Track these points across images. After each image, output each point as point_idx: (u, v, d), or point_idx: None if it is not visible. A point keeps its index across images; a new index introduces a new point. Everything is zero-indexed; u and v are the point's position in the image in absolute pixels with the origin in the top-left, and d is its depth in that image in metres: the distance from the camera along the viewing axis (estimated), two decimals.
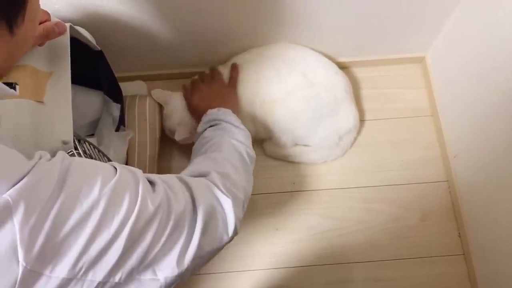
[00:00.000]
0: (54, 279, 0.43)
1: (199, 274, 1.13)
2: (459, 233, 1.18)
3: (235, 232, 0.66)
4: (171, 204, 0.55)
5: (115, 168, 0.53)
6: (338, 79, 1.19)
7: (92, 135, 1.04)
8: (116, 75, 1.03)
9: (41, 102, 0.68)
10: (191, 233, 0.56)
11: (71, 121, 0.69)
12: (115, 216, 0.47)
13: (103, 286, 0.47)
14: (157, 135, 1.12)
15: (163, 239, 0.52)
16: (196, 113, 1.03)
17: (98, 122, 1.05)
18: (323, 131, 1.18)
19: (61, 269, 0.44)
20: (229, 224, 0.64)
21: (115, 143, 1.00)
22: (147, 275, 0.51)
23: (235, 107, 1.02)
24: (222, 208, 0.65)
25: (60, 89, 0.71)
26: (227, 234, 0.64)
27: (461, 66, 1.14)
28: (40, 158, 0.47)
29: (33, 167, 0.44)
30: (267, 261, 1.15)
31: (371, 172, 1.24)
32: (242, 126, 0.89)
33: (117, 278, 0.48)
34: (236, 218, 0.65)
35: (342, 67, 1.28)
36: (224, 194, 0.65)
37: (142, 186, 0.53)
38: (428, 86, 1.31)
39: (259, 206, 1.19)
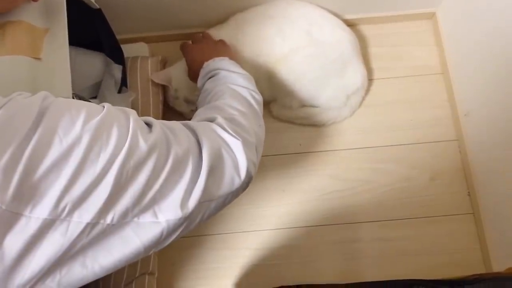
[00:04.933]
0: (35, 219, 0.42)
1: (206, 235, 1.14)
2: (469, 192, 1.16)
3: (249, 176, 0.62)
4: (170, 145, 0.52)
5: (104, 107, 0.50)
6: (344, 36, 1.15)
7: (94, 97, 1.03)
8: (117, 36, 1.01)
9: (38, 58, 0.66)
10: (197, 175, 0.54)
11: (70, 78, 0.68)
12: (101, 153, 0.45)
13: (93, 227, 0.45)
14: (160, 97, 1.11)
15: (161, 180, 0.49)
16: (193, 72, 0.98)
17: (100, 85, 1.03)
18: (330, 90, 1.15)
19: (42, 210, 0.42)
20: (241, 166, 0.60)
21: (118, 105, 0.98)
22: (147, 218, 0.49)
23: (230, 55, 0.96)
24: (232, 151, 0.61)
25: (58, 46, 0.69)
26: (239, 177, 0.60)
27: (472, 21, 1.10)
28: (19, 95, 0.45)
29: (6, 103, 0.42)
30: (274, 221, 1.15)
31: (380, 132, 1.22)
32: (242, 71, 0.85)
33: (108, 219, 0.46)
34: (249, 160, 0.61)
35: (350, 24, 1.24)
36: (233, 136, 0.61)
37: (133, 123, 0.50)
38: (438, 43, 1.27)
39: (266, 168, 1.18)
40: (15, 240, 0.41)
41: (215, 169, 0.57)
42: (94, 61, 1.04)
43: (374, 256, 1.13)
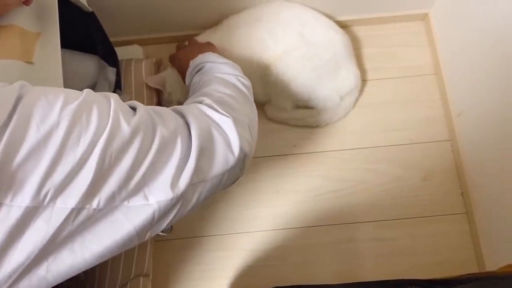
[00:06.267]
0: (16, 208, 0.41)
1: (201, 236, 1.14)
2: (462, 192, 1.17)
3: (243, 153, 0.61)
4: (155, 127, 0.52)
5: (83, 92, 0.49)
6: (337, 37, 1.16)
7: None
8: (111, 39, 1.01)
9: (31, 63, 0.66)
10: (187, 156, 0.53)
11: (62, 82, 0.68)
12: (81, 137, 0.44)
13: (79, 213, 0.44)
14: (154, 100, 1.11)
15: (147, 162, 0.49)
16: (184, 74, 0.95)
17: (94, 87, 1.03)
18: (324, 91, 1.16)
19: (23, 197, 0.41)
20: (233, 143, 0.59)
21: None
22: (137, 201, 0.48)
23: (215, 51, 0.95)
24: (221, 129, 0.60)
25: (50, 50, 0.69)
26: (233, 154, 0.59)
27: (465, 22, 1.11)
28: None
29: None
30: (268, 222, 1.16)
31: (374, 132, 1.22)
32: (227, 60, 0.83)
33: (94, 204, 0.45)
34: (241, 137, 0.60)
35: (343, 26, 1.24)
36: (222, 114, 0.61)
37: (114, 106, 0.49)
38: (431, 44, 1.28)
39: (260, 169, 1.19)
40: None
41: (206, 148, 0.56)
42: (88, 64, 1.03)
43: (369, 256, 1.14)
